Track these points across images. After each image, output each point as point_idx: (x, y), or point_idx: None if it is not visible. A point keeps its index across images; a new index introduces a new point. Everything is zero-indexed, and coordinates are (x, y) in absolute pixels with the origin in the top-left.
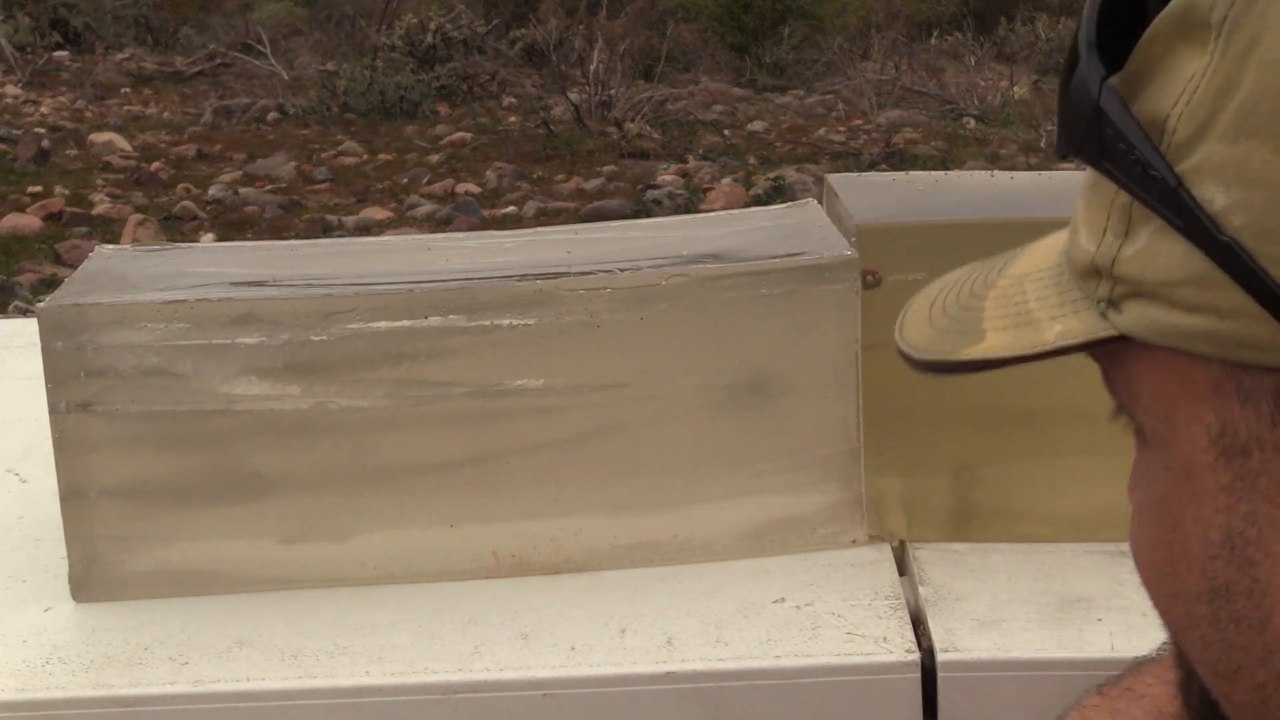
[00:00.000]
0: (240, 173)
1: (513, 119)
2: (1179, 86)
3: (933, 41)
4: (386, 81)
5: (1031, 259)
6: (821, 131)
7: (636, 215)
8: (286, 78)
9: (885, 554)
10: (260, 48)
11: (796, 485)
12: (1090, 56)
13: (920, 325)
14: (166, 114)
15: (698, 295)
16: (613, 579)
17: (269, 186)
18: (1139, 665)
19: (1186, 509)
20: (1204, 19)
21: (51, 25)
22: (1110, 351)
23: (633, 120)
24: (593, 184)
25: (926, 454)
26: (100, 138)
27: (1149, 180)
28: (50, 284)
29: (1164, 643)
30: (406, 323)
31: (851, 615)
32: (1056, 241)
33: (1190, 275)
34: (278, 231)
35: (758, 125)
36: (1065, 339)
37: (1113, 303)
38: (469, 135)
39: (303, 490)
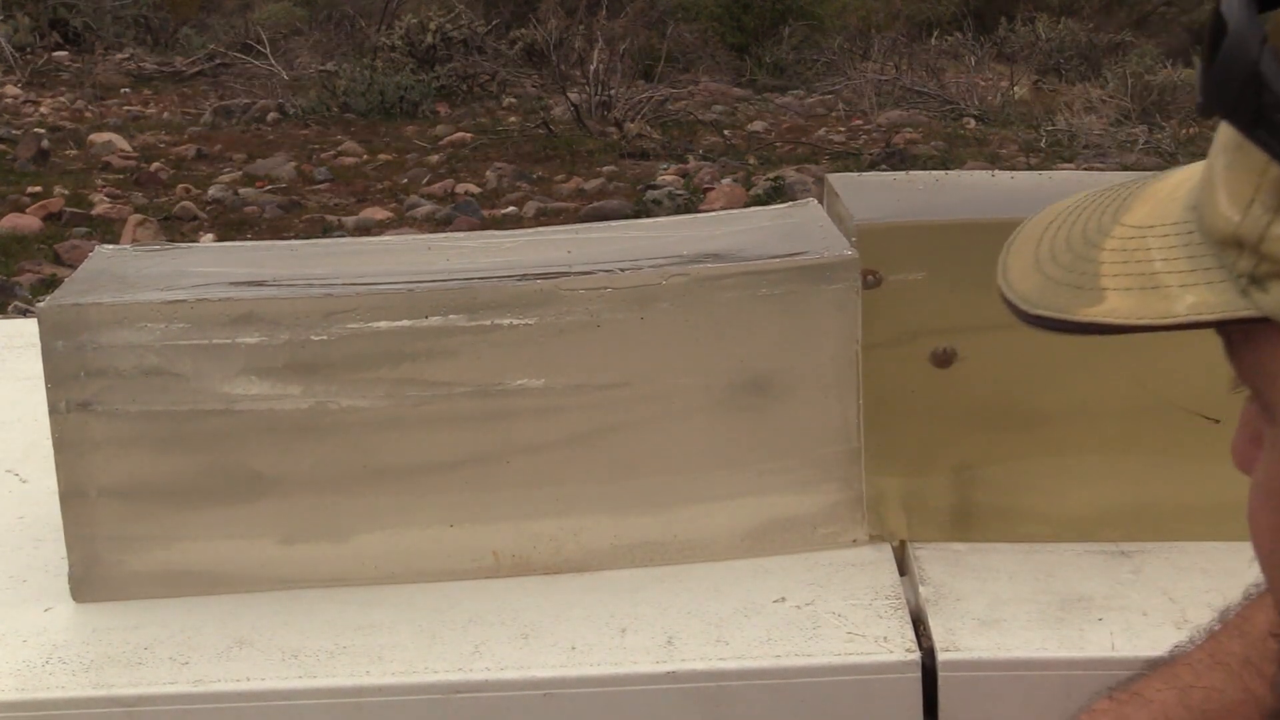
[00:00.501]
0: (240, 173)
1: (513, 119)
2: None
3: (933, 41)
4: (386, 81)
5: (1153, 206)
6: (821, 131)
7: (636, 215)
8: (286, 78)
9: (886, 554)
10: (260, 48)
11: (797, 485)
12: (1248, 14)
13: (1027, 270)
14: (166, 114)
15: (698, 295)
16: (613, 579)
17: (269, 187)
18: (1150, 669)
19: None
20: None
21: (51, 25)
22: (1245, 329)
23: (633, 120)
24: (593, 184)
25: (926, 454)
26: (100, 138)
27: None
28: (50, 284)
29: (1176, 645)
30: (407, 322)
31: (852, 615)
32: (1179, 189)
33: None
34: (278, 231)
35: (758, 125)
36: (1199, 312)
37: (1256, 280)
38: (469, 135)
39: (303, 490)
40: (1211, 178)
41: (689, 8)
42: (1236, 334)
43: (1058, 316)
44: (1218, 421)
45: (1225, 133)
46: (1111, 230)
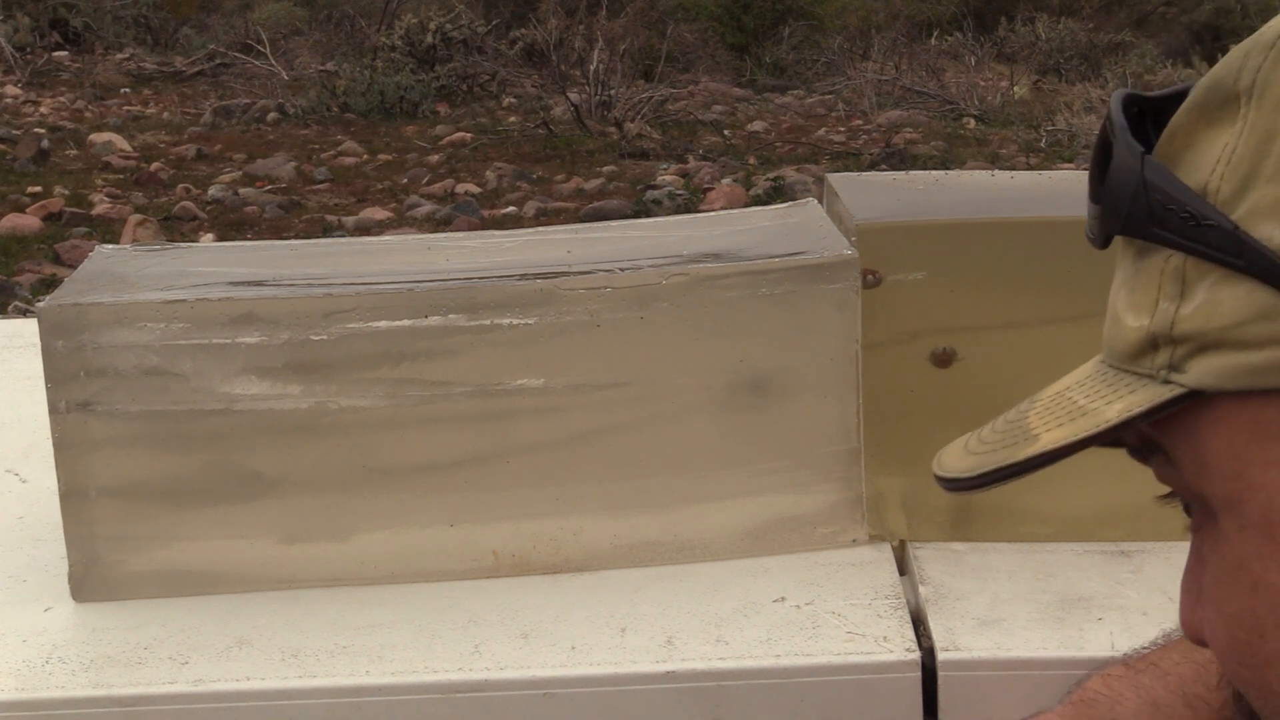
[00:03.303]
0: (240, 173)
1: (513, 119)
2: (1211, 159)
3: (933, 41)
4: (386, 81)
5: (1063, 382)
6: (821, 131)
7: (636, 215)
8: (286, 78)
9: (885, 553)
10: (260, 48)
11: (797, 485)
12: (1125, 138)
13: (960, 458)
14: (166, 114)
15: (698, 294)
16: (613, 578)
17: (269, 186)
18: (1166, 640)
19: (1270, 563)
20: (1230, 91)
21: (51, 25)
22: (1170, 425)
23: (633, 120)
24: (593, 184)
25: (927, 454)
26: (100, 138)
27: (1204, 230)
28: (50, 284)
29: None
30: (406, 322)
31: (852, 614)
32: (1084, 366)
33: (1257, 311)
34: (278, 231)
35: (758, 125)
36: (1129, 411)
37: (1174, 367)
38: (469, 135)
39: (303, 490)
40: (1115, 315)
41: (689, 8)
42: (1165, 436)
43: (999, 466)
44: None
45: (1120, 269)
46: (1032, 406)
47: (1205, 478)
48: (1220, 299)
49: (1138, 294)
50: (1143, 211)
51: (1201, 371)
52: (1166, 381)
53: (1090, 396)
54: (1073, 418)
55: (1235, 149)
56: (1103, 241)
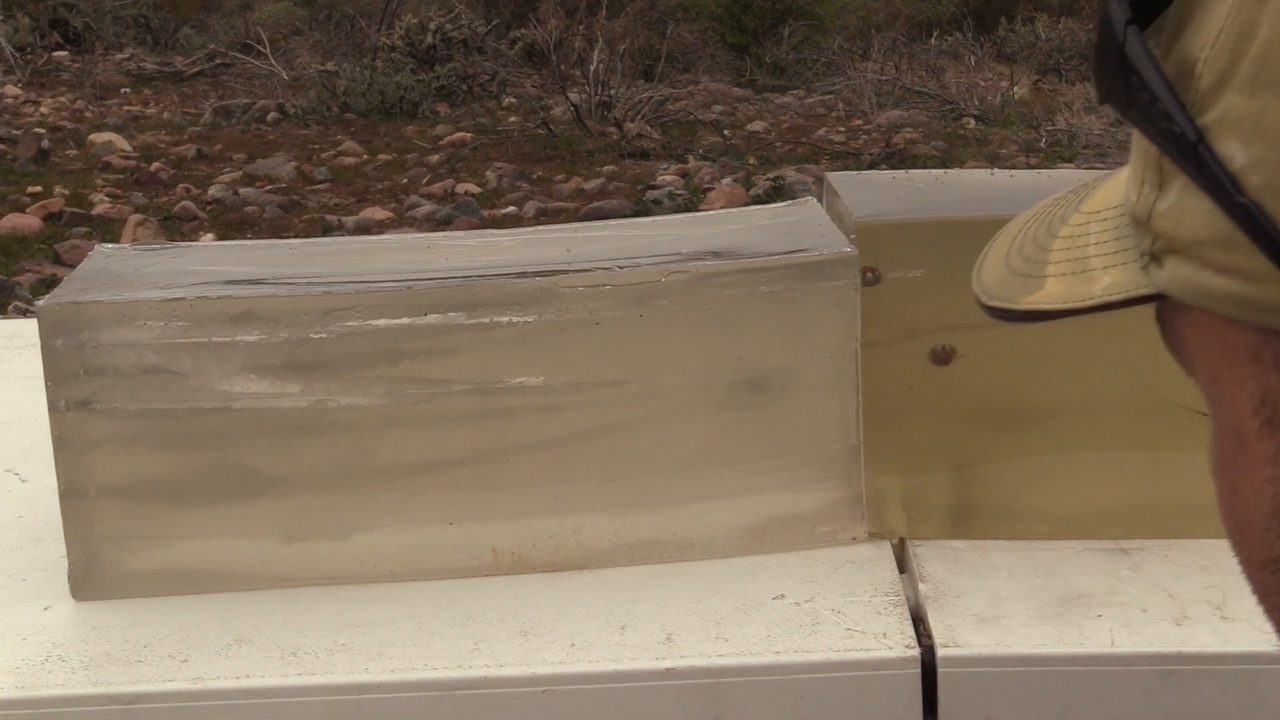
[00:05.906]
0: (240, 173)
1: (513, 119)
2: (1213, 27)
3: (933, 41)
4: (386, 81)
5: (1108, 191)
6: (821, 131)
7: (636, 215)
8: (286, 78)
9: (885, 551)
10: (260, 48)
11: (796, 483)
12: (1118, 1)
13: (998, 265)
14: (166, 114)
15: (698, 292)
16: (612, 576)
17: (269, 186)
18: None
19: (1243, 475)
20: None
21: (51, 25)
22: (1159, 307)
23: (633, 120)
24: (593, 184)
25: (926, 452)
26: (100, 138)
27: (1171, 134)
28: (50, 284)
29: None
30: (406, 320)
31: (851, 611)
32: (1128, 184)
33: (1217, 235)
34: (278, 231)
35: (758, 125)
36: (1109, 294)
37: (1154, 257)
38: (469, 135)
39: (303, 489)
40: (1130, 159)
41: (689, 8)
42: (1162, 318)
43: (1004, 306)
44: None
45: None
46: (1070, 219)
47: (1192, 373)
48: (1187, 208)
49: (1135, 153)
50: (1120, 89)
51: (1170, 277)
52: (1145, 269)
53: (1099, 246)
54: (1075, 271)
55: (1222, 29)
56: (1100, 102)
